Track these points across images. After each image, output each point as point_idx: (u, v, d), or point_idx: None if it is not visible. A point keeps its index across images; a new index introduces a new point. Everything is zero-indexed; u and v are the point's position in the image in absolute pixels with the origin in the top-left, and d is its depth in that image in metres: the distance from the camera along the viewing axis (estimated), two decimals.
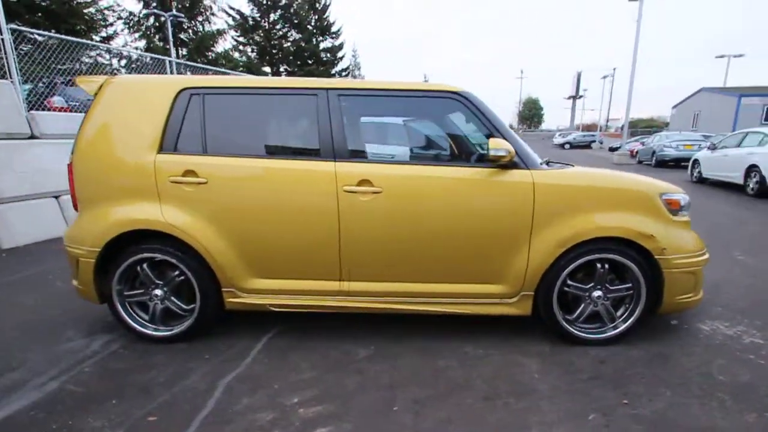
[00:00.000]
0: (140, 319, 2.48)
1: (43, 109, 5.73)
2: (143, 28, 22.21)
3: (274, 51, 28.74)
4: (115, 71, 9.88)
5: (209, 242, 2.31)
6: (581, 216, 2.28)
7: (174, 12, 19.44)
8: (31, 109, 5.44)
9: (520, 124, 78.14)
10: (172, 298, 2.46)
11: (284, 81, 2.43)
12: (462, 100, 2.36)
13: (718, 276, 3.55)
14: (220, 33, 24.31)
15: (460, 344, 2.46)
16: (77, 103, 6.58)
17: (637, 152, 18.40)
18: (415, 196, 2.29)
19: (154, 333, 2.47)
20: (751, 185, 7.92)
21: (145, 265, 2.38)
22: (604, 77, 42.89)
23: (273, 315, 2.70)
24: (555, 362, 2.28)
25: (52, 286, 3.48)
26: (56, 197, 5.23)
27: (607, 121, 54.50)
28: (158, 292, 2.43)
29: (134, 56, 9.95)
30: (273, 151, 2.45)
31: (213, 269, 2.35)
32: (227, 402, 1.94)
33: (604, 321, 2.44)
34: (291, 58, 29.00)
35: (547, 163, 2.66)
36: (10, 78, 5.13)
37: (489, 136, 2.32)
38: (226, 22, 26.42)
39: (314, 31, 29.35)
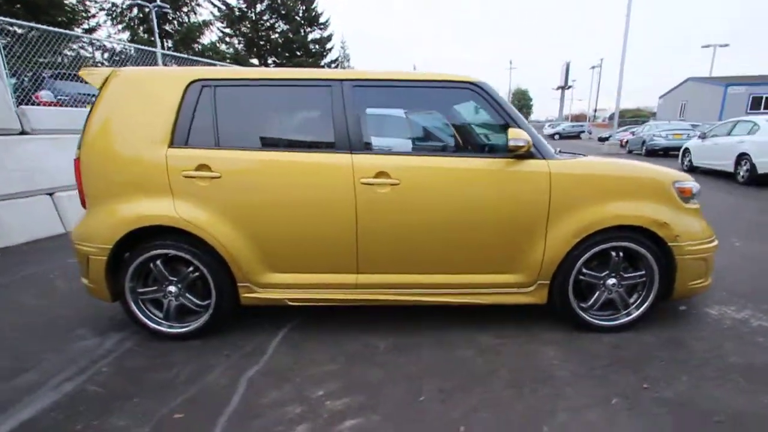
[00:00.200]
0: (154, 317, 2.44)
1: (30, 104, 5.55)
2: (126, 19, 21.63)
3: (261, 42, 28.25)
4: (98, 64, 9.60)
5: (224, 237, 2.27)
6: (597, 205, 2.30)
7: (159, 2, 18.94)
8: (18, 104, 5.27)
9: None
10: (187, 294, 2.43)
11: (298, 72, 2.38)
12: (478, 90, 2.35)
13: (719, 262, 3.59)
14: (206, 24, 23.83)
15: (475, 334, 2.48)
16: (67, 98, 6.38)
17: (627, 142, 18.64)
18: (432, 187, 2.28)
19: (169, 330, 2.43)
20: (741, 173, 8.09)
21: (158, 262, 2.34)
22: (593, 68, 43.25)
23: (286, 309, 2.68)
24: (571, 349, 2.31)
25: (53, 285, 3.40)
26: (50, 194, 5.09)
27: (595, 111, 55.01)
28: (172, 288, 2.39)
29: (118, 48, 9.64)
30: (287, 144, 2.41)
31: (228, 264, 2.32)
32: (253, 396, 1.92)
33: (616, 308, 2.48)
34: (279, 49, 28.53)
35: (559, 152, 2.67)
36: None
37: (504, 126, 2.31)
38: (212, 13, 25.90)
39: (302, 22, 28.88)
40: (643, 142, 15.75)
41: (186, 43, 22.24)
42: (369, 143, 2.37)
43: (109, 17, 20.95)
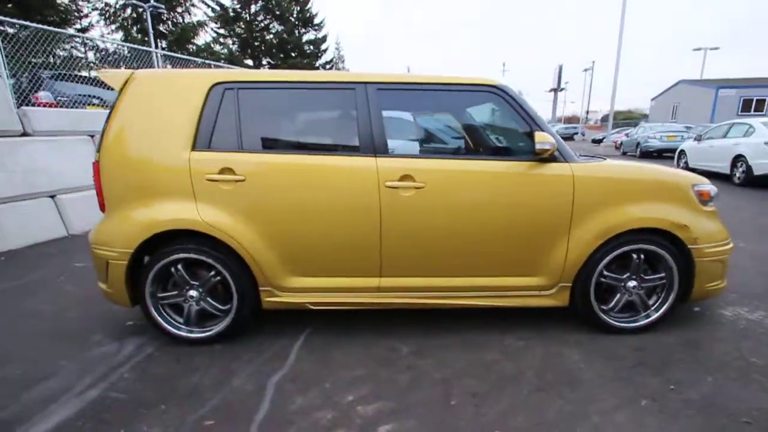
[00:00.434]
0: (174, 321, 2.41)
1: (28, 105, 5.46)
2: (120, 19, 21.36)
3: (256, 43, 28.11)
4: (91, 65, 9.46)
5: (248, 241, 2.25)
6: (619, 207, 2.32)
7: (153, 2, 18.74)
8: (18, 105, 5.17)
9: None
10: (208, 298, 2.40)
11: (321, 75, 2.37)
12: (500, 93, 2.36)
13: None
14: (201, 25, 23.59)
15: (499, 336, 2.49)
16: (66, 99, 6.29)
17: (621, 144, 18.84)
18: (457, 191, 2.29)
19: (189, 335, 2.40)
20: (737, 174, 8.22)
21: (180, 266, 2.32)
22: (585, 70, 43.69)
23: (305, 313, 2.67)
24: (595, 351, 2.32)
25: (63, 289, 3.35)
26: (52, 197, 5.01)
27: (587, 113, 55.57)
28: (193, 293, 2.37)
29: (111, 49, 9.51)
30: (311, 147, 2.40)
31: (251, 268, 2.30)
32: (282, 402, 1.91)
33: (636, 310, 2.50)
34: (273, 50, 28.42)
35: (579, 156, 2.69)
36: None
37: (529, 129, 2.33)
38: (206, 14, 25.70)
39: (296, 23, 28.80)
40: (638, 144, 15.94)
41: (180, 43, 22.01)
42: (392, 147, 2.37)
43: (102, 17, 20.67)
